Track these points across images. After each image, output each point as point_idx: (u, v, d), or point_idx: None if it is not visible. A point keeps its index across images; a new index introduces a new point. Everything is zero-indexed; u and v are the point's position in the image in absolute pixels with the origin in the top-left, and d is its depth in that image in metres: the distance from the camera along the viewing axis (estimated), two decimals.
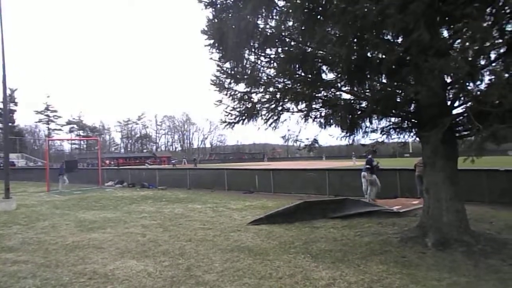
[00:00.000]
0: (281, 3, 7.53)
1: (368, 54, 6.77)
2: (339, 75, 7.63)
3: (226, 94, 8.83)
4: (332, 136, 8.68)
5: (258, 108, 8.70)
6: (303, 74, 7.92)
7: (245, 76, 8.41)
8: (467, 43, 5.65)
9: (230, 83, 8.76)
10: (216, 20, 8.03)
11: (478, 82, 6.49)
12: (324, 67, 7.76)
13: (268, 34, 7.55)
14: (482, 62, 6.21)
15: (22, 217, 11.78)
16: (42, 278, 5.82)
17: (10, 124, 69.57)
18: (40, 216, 11.84)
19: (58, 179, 22.31)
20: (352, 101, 8.28)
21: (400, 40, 6.78)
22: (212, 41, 8.22)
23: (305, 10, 6.78)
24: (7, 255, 7.24)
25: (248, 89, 8.72)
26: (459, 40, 6.12)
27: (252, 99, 8.81)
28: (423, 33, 5.50)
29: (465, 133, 7.44)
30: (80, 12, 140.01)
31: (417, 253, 6.73)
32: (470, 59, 5.64)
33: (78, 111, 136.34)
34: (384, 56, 6.46)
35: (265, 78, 8.44)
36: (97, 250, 7.42)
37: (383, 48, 6.39)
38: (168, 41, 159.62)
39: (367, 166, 13.05)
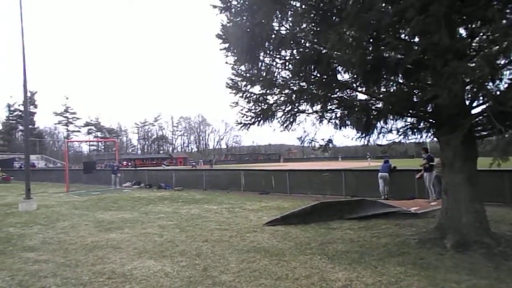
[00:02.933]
0: (296, 4, 7.52)
1: (385, 54, 6.71)
2: (355, 76, 7.58)
3: (242, 96, 8.86)
4: (348, 137, 8.65)
5: (274, 110, 8.71)
6: (318, 75, 7.91)
7: (261, 78, 8.43)
8: (485, 45, 5.55)
9: (245, 85, 8.79)
10: (230, 24, 8.07)
11: (498, 82, 6.38)
12: (339, 68, 7.73)
13: (283, 36, 7.56)
14: (502, 62, 6.10)
15: (42, 217, 12.04)
16: (62, 277, 5.94)
17: (30, 126, 71.08)
18: (60, 217, 12.08)
19: (78, 180, 23.00)
20: (368, 102, 8.22)
21: (417, 40, 6.70)
22: (227, 45, 8.27)
23: (320, 12, 6.76)
24: (29, 254, 7.41)
25: (264, 91, 8.73)
26: (476, 40, 6.02)
27: (267, 101, 8.82)
28: (443, 35, 5.41)
29: (485, 133, 7.31)
30: (100, 15, 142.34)
31: (436, 255, 6.64)
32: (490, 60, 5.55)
33: (96, 113, 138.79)
34: (401, 57, 6.39)
35: (280, 80, 8.45)
36: (115, 250, 7.54)
37: (400, 49, 6.31)
38: (184, 43, 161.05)
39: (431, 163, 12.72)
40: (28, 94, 17.27)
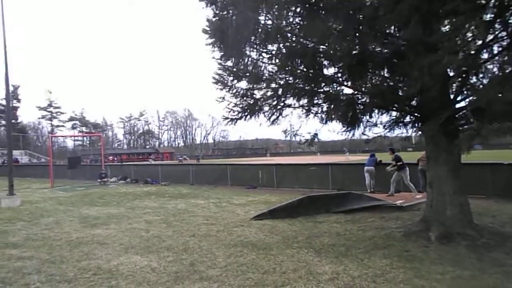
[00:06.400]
0: None
1: (370, 47, 6.74)
2: (340, 70, 7.60)
3: (229, 91, 8.81)
4: (334, 131, 8.69)
5: (260, 104, 8.68)
6: (304, 69, 7.89)
7: (247, 73, 8.38)
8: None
9: (232, 80, 8.73)
10: (216, 18, 8.00)
11: (481, 75, 6.45)
12: (325, 62, 7.73)
13: (269, 29, 7.52)
14: (485, 56, 6.17)
15: (26, 213, 11.85)
16: (47, 274, 5.85)
17: (13, 120, 69.78)
18: (44, 213, 11.90)
19: (63, 175, 22.68)
20: (354, 96, 8.25)
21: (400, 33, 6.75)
22: (213, 40, 8.19)
23: (306, 6, 6.74)
24: (12, 251, 7.28)
25: (250, 86, 8.70)
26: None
27: (254, 96, 8.80)
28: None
29: (467, 127, 7.40)
30: (83, 10, 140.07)
31: (421, 247, 6.73)
32: (471, 53, 5.61)
33: (81, 107, 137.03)
34: (384, 50, 6.44)
35: (266, 74, 8.41)
36: (101, 246, 7.46)
37: (382, 43, 6.36)
38: (170, 37, 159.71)
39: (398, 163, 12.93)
40: (11, 88, 16.92)
